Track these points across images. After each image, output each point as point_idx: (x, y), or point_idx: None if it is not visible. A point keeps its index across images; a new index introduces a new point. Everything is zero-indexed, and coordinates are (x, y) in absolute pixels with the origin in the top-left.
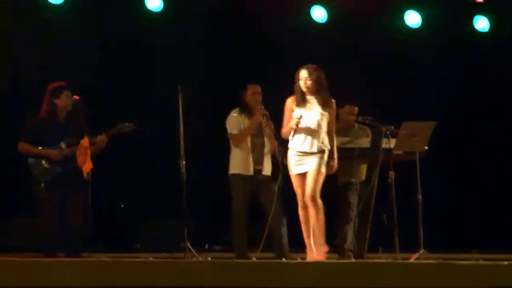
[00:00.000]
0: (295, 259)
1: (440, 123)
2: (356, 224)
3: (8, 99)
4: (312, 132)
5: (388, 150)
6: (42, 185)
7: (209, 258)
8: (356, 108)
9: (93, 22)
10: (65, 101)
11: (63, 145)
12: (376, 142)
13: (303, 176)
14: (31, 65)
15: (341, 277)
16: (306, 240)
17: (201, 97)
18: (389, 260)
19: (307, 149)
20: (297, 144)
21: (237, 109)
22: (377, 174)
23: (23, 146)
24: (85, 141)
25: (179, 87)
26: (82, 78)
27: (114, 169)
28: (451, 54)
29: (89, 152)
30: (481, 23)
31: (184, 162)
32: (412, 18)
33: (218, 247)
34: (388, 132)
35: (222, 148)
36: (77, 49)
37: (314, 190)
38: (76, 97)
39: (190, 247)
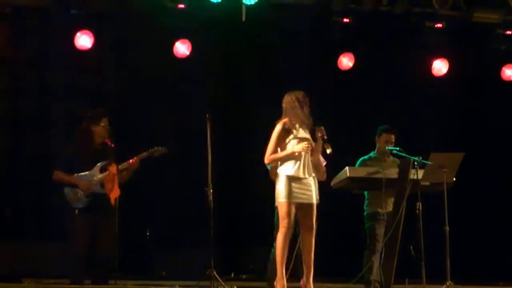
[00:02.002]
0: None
1: (468, 155)
2: (383, 255)
3: (35, 125)
4: (306, 158)
5: (416, 181)
6: (76, 211)
7: (235, 287)
8: (393, 136)
9: (121, 60)
10: (104, 128)
11: (97, 170)
12: (403, 173)
13: (295, 204)
14: (62, 94)
15: None
16: (281, 268)
17: (228, 126)
18: None
19: (306, 175)
20: (293, 170)
21: None
22: (404, 205)
23: (56, 175)
24: (113, 168)
25: (207, 115)
26: (110, 107)
27: (141, 196)
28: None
29: (116, 179)
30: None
31: (211, 190)
32: (439, 67)
33: (244, 276)
34: (416, 163)
35: (249, 176)
36: (106, 79)
37: (316, 222)
38: None
39: (217, 276)
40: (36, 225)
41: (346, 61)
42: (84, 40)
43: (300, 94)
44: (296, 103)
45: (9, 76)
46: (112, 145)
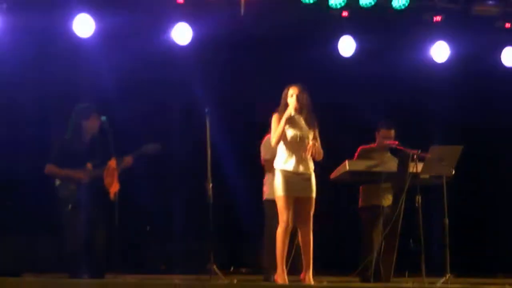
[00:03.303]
0: (322, 281)
1: (467, 147)
2: (382, 248)
3: (33, 120)
4: (302, 153)
5: (415, 175)
6: (70, 206)
7: (235, 281)
8: (392, 132)
9: (119, 50)
10: (93, 123)
11: (89, 166)
12: (403, 166)
13: (293, 198)
14: (58, 87)
15: None
16: (282, 262)
17: (228, 120)
18: (416, 285)
19: (303, 170)
20: (290, 165)
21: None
22: (404, 198)
23: (50, 168)
24: (112, 162)
25: (206, 110)
26: (109, 100)
27: (141, 190)
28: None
29: (116, 173)
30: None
31: (211, 185)
32: (440, 51)
33: (244, 269)
34: (415, 156)
35: (248, 171)
36: (104, 71)
37: (312, 216)
38: (103, 117)
39: (216, 269)
40: (33, 219)
41: (346, 49)
42: (81, 28)
43: (294, 88)
44: (289, 97)
45: None
46: (110, 139)
